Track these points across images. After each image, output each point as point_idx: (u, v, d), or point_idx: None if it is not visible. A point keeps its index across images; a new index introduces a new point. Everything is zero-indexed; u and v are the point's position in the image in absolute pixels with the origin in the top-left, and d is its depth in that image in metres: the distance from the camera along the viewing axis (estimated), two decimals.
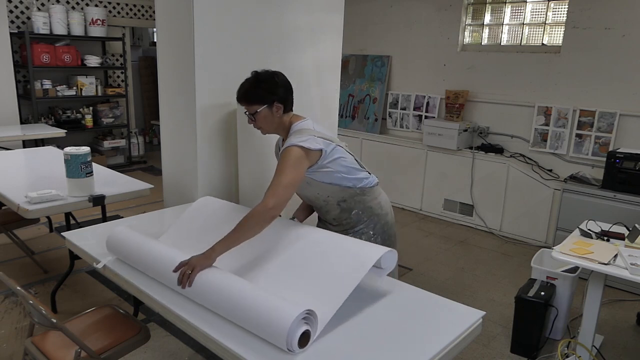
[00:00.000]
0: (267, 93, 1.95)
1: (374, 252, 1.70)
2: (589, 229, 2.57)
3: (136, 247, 1.85)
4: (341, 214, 2.12)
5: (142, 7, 6.93)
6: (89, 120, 6.25)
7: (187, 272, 1.60)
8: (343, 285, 1.58)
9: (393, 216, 2.26)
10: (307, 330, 1.42)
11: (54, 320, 1.70)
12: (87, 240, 2.16)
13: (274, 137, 2.77)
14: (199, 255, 1.64)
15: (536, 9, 4.56)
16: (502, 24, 4.79)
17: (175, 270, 1.64)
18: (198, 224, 2.17)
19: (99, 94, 6.32)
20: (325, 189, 2.04)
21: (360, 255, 1.69)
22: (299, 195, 2.18)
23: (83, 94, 6.15)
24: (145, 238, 1.90)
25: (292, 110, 2.07)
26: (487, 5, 4.85)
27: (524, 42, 4.65)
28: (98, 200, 2.73)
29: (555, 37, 4.45)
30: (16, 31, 5.58)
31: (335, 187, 2.03)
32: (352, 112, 5.86)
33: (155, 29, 6.71)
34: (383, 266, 1.74)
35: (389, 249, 1.73)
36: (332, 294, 1.57)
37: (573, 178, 3.94)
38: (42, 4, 5.92)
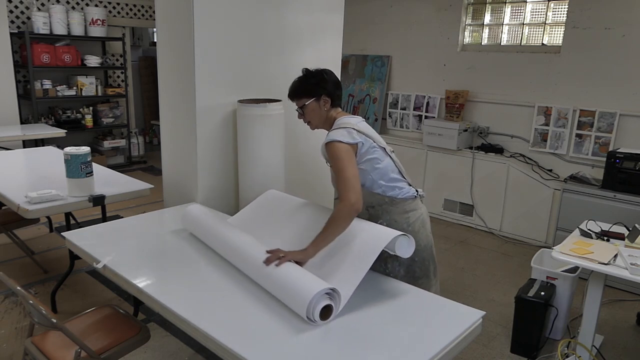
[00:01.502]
0: (315, 86, 2.02)
1: (387, 236, 1.76)
2: (589, 229, 2.57)
3: (214, 226, 2.11)
4: (369, 219, 2.04)
5: (142, 7, 6.93)
6: (89, 120, 6.25)
7: (279, 255, 1.73)
8: (357, 268, 1.69)
9: (429, 238, 2.10)
10: (330, 304, 1.54)
11: (54, 320, 1.70)
12: (87, 240, 2.16)
13: (274, 137, 2.78)
14: (298, 252, 1.79)
15: (536, 9, 4.56)
16: (502, 24, 4.79)
17: (269, 252, 1.78)
18: (263, 214, 2.30)
19: (99, 94, 6.32)
20: None
21: (374, 239, 1.77)
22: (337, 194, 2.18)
23: (83, 94, 6.15)
24: (224, 222, 2.17)
25: (340, 107, 2.10)
26: (487, 5, 4.85)
27: (524, 42, 4.65)
28: (98, 200, 2.73)
29: (555, 37, 4.45)
30: (16, 31, 5.58)
31: (365, 190, 1.99)
32: (352, 112, 5.86)
33: (155, 29, 6.70)
34: (397, 252, 1.76)
35: (401, 233, 1.75)
36: (349, 276, 1.68)
37: (573, 178, 3.94)
38: (42, 4, 5.92)
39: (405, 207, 2.03)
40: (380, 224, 2.02)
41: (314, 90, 2.02)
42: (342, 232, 1.81)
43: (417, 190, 2.08)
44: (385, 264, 2.01)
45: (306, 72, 2.07)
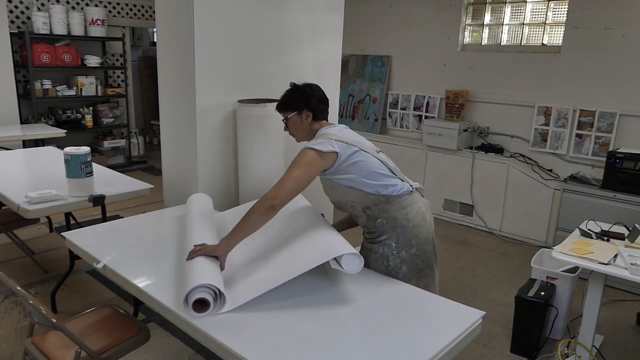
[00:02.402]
0: (297, 101, 2.07)
1: (331, 251, 1.71)
2: (589, 229, 2.57)
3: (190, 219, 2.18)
4: (368, 221, 2.05)
5: (142, 7, 6.93)
6: (89, 120, 6.25)
7: (196, 251, 1.78)
8: (272, 278, 1.69)
9: (429, 231, 2.09)
10: (204, 299, 1.56)
11: (54, 320, 1.70)
12: (87, 240, 2.16)
13: (274, 137, 2.78)
14: (212, 245, 1.82)
15: (536, 9, 4.56)
16: (502, 24, 4.79)
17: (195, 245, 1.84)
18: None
19: (99, 94, 6.32)
20: (347, 193, 1.99)
21: (319, 251, 1.74)
22: (332, 203, 2.16)
23: (83, 94, 6.15)
24: (198, 216, 2.19)
25: (325, 119, 2.12)
26: (487, 5, 4.85)
27: (524, 42, 4.65)
28: (98, 200, 2.73)
29: (555, 37, 4.45)
30: (16, 31, 5.58)
31: (358, 192, 1.98)
32: (352, 112, 5.86)
33: (155, 29, 6.70)
34: (344, 267, 1.70)
35: (352, 252, 1.70)
36: (259, 283, 1.69)
37: (573, 178, 3.94)
38: (42, 4, 5.92)
39: (402, 203, 2.01)
40: (379, 223, 2.01)
41: (296, 104, 2.07)
42: (255, 228, 1.80)
43: (411, 185, 2.07)
44: (388, 261, 2.00)
45: (292, 86, 2.12)
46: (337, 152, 1.92)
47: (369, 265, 2.02)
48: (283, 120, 2.12)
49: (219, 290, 1.59)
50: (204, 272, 1.64)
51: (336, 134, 1.98)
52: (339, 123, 2.25)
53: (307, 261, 1.69)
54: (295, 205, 2.20)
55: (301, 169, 1.85)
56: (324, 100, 2.11)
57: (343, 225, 2.29)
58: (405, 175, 2.13)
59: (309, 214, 2.12)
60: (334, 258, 1.70)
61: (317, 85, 2.13)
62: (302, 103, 2.05)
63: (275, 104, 2.19)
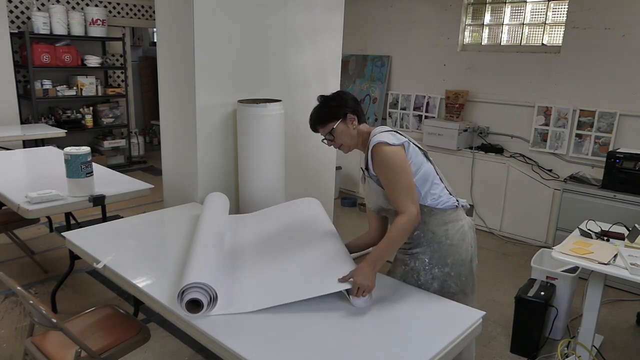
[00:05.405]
0: (337, 108, 1.94)
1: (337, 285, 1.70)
2: (589, 229, 2.57)
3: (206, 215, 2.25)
4: None
5: (142, 7, 6.93)
6: (89, 120, 6.25)
7: (362, 290, 1.68)
8: (278, 296, 1.68)
9: (468, 252, 1.92)
10: (197, 299, 1.56)
11: (54, 320, 1.70)
12: (87, 240, 2.16)
13: (274, 138, 2.78)
14: (363, 276, 1.69)
15: (536, 9, 4.56)
16: (502, 24, 4.79)
17: (342, 280, 1.72)
18: (291, 218, 2.34)
19: (99, 94, 6.32)
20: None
21: (327, 279, 1.72)
22: (368, 207, 2.04)
23: (83, 94, 6.15)
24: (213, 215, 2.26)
25: (366, 122, 2.02)
26: (487, 5, 4.85)
27: (524, 42, 4.65)
28: (98, 200, 2.73)
29: (555, 37, 4.45)
30: (16, 31, 5.58)
31: None
32: None
33: (155, 29, 6.70)
34: (351, 300, 1.69)
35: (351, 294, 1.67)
36: (265, 297, 1.68)
37: (573, 178, 3.94)
38: (42, 4, 5.92)
39: (445, 218, 1.88)
40: (416, 235, 1.90)
41: (337, 112, 1.92)
42: (401, 244, 1.80)
43: (457, 200, 1.93)
44: (418, 276, 1.90)
45: (323, 98, 1.98)
46: (404, 144, 1.83)
47: (396, 277, 1.95)
48: (326, 137, 1.97)
49: (214, 293, 1.59)
50: (202, 270, 1.66)
51: (392, 130, 1.89)
52: None
53: (316, 290, 1.69)
54: (318, 225, 2.20)
55: (404, 172, 1.77)
56: (358, 101, 2.00)
57: (365, 246, 2.11)
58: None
59: (331, 237, 2.07)
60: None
61: (345, 90, 2.06)
62: (343, 108, 1.93)
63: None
